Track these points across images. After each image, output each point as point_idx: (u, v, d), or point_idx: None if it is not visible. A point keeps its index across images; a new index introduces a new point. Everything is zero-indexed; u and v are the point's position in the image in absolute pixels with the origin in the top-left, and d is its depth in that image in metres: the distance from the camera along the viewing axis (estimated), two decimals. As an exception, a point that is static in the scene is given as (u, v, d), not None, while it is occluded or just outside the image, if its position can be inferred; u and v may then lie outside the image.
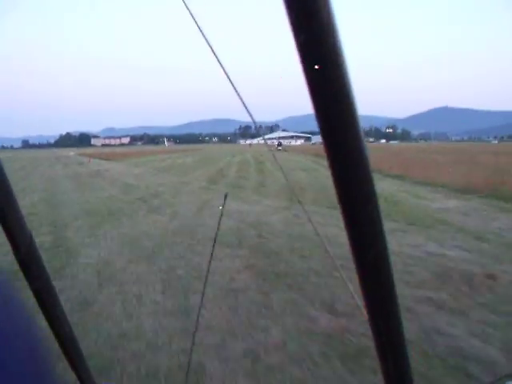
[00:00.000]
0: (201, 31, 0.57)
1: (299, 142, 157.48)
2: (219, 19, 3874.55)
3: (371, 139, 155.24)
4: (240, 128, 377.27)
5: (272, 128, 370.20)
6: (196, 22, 0.58)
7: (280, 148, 58.31)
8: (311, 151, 48.68)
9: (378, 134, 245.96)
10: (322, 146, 0.24)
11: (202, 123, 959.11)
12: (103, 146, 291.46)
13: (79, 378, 0.60)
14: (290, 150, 58.02)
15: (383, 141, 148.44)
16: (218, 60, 0.60)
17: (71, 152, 60.08)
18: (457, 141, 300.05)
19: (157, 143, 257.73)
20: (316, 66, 0.26)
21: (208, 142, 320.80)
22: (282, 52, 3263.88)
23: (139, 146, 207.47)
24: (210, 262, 1.77)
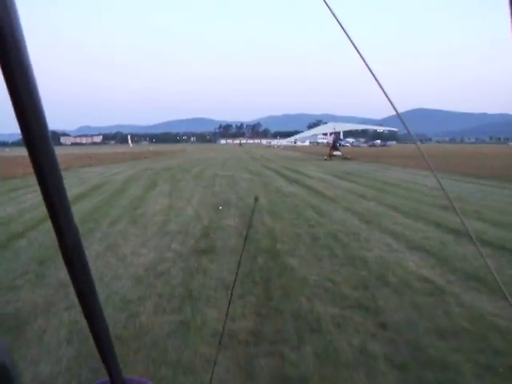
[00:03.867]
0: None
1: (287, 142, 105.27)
2: (212, 21, 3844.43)
3: (362, 140, 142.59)
4: (220, 127, 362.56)
5: (254, 127, 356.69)
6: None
7: (337, 153, 32.64)
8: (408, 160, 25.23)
9: (365, 134, 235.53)
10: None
11: (180, 122, 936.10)
12: (73, 144, 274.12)
13: (109, 372, 0.66)
14: (348, 154, 33.77)
15: (378, 141, 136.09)
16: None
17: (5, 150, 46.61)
18: (445, 142, 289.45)
19: (137, 141, 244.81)
20: None
21: (186, 141, 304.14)
22: (260, 51, 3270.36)
23: (110, 146, 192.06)
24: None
